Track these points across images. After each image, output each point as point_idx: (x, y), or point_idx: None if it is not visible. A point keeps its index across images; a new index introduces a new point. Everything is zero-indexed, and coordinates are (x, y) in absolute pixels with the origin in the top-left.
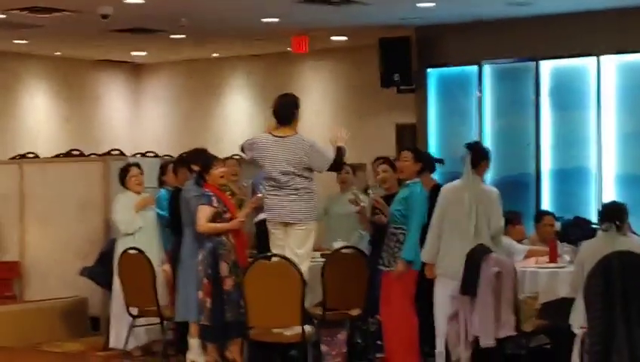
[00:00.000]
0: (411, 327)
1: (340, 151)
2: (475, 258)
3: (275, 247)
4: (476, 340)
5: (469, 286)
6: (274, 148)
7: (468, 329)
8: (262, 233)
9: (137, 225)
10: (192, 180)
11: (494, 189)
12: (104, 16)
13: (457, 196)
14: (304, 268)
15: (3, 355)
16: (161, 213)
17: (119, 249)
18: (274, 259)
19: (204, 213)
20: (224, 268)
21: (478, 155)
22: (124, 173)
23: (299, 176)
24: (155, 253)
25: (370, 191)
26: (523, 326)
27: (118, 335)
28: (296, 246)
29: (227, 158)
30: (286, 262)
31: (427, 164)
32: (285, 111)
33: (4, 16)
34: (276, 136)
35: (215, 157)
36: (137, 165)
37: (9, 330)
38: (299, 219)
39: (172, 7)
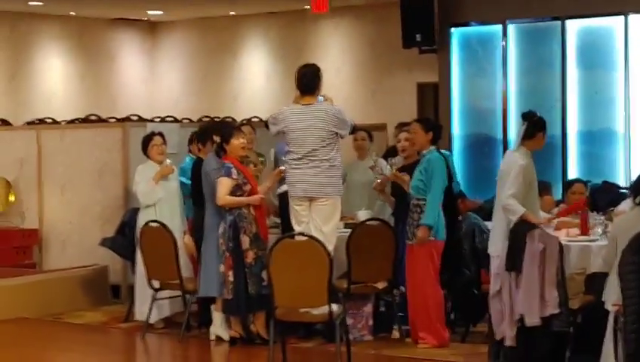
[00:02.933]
0: (437, 300)
1: None
2: (520, 233)
3: (299, 223)
4: (521, 318)
5: (513, 262)
6: (302, 118)
7: (513, 307)
8: (285, 205)
9: (157, 196)
10: (212, 152)
11: (519, 161)
12: None
13: (500, 166)
14: (330, 246)
15: (25, 327)
16: (186, 181)
17: (141, 220)
18: (300, 237)
19: (223, 185)
20: (245, 240)
21: (534, 125)
22: (146, 141)
23: (328, 144)
24: (177, 223)
25: (390, 161)
26: (570, 304)
27: (142, 307)
28: (322, 222)
29: (241, 125)
30: (312, 241)
31: (437, 132)
32: (309, 80)
33: None
34: (303, 105)
35: (236, 128)
36: (160, 134)
37: (30, 301)
38: (325, 193)
39: None
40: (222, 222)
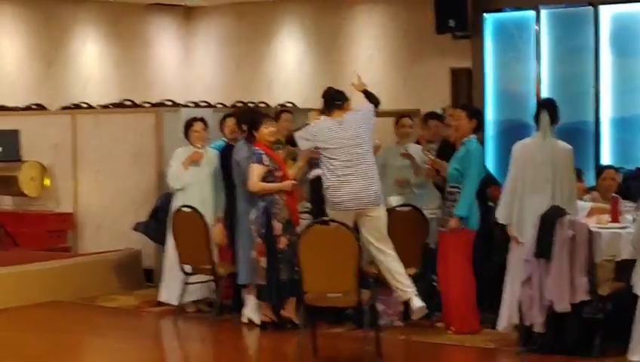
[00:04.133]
0: (469, 287)
1: (369, 94)
2: (549, 220)
3: None
4: (550, 305)
5: (543, 249)
6: (343, 128)
7: (542, 294)
8: (316, 190)
9: (184, 181)
10: (242, 140)
11: (568, 146)
12: None
13: (533, 154)
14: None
15: (58, 310)
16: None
17: (174, 204)
18: (330, 224)
19: (255, 171)
20: (277, 226)
21: (556, 112)
22: (188, 126)
23: (368, 150)
24: (208, 209)
25: (425, 147)
26: (599, 290)
27: (169, 290)
28: (381, 236)
29: (282, 112)
30: (342, 227)
31: (480, 119)
32: (338, 96)
33: None
34: (336, 119)
35: (265, 116)
36: (202, 120)
37: (64, 284)
38: (377, 202)
39: None
40: (254, 209)
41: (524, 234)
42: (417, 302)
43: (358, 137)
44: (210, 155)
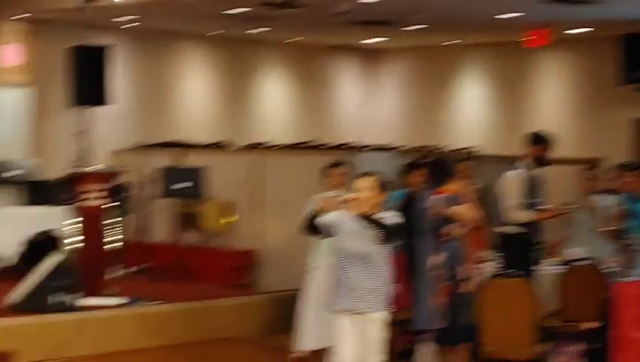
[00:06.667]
0: None
1: None
2: None
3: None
4: None
5: None
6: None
7: None
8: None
9: None
10: (427, 188)
11: None
12: (341, 13)
13: None
14: None
15: (231, 347)
16: None
17: None
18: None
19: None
20: (461, 270)
21: None
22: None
23: None
24: None
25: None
26: None
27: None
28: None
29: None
30: (521, 281)
31: None
32: None
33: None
34: None
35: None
36: (344, 163)
37: (243, 321)
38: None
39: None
40: (440, 253)
41: None
42: None
43: None
44: None
